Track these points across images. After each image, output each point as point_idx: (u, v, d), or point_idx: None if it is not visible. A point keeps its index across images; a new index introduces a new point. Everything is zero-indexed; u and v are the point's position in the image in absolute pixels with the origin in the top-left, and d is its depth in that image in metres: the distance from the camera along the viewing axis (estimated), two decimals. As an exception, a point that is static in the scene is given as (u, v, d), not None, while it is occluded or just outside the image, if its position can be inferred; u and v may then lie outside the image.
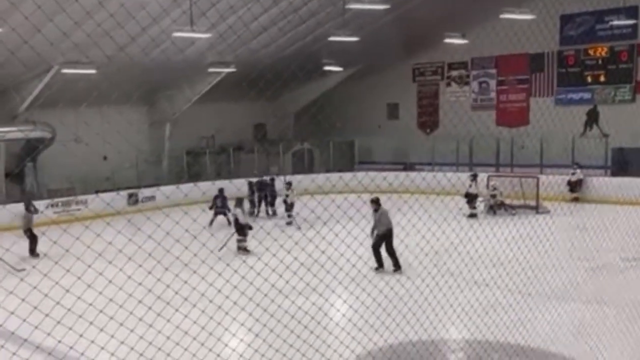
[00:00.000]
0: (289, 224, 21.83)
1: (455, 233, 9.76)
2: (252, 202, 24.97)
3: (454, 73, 33.73)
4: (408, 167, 30.97)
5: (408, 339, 9.09)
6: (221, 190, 22.91)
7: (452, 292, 8.90)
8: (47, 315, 6.13)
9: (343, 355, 7.91)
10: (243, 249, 17.79)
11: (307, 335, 7.87)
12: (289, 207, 22.45)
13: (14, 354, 6.64)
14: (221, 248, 16.03)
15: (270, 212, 25.01)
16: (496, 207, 23.52)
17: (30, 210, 19.60)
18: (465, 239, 9.80)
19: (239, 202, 18.81)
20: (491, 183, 24.21)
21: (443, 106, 33.91)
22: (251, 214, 24.15)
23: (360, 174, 26.45)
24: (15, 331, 6.93)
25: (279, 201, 24.47)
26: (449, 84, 33.93)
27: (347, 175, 26.86)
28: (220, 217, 22.51)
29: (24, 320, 6.15)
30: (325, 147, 33.39)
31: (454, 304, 8.84)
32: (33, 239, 18.58)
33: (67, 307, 6.05)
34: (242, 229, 18.07)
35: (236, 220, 18.49)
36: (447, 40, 27.82)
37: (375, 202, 14.76)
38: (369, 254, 8.26)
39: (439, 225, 9.25)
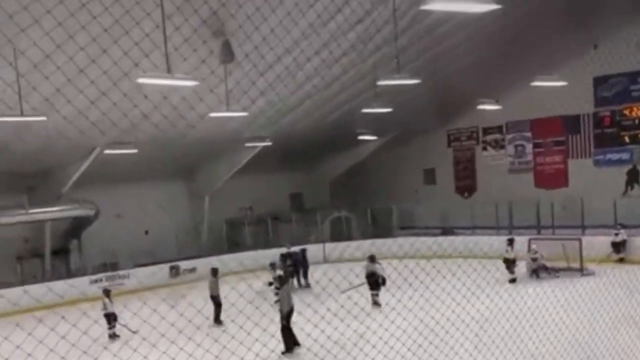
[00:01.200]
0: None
1: (497, 299, 9.81)
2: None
3: (489, 137, 33.97)
4: (447, 231, 30.97)
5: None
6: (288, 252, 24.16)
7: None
8: None
9: None
10: (376, 303, 18.57)
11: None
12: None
13: None
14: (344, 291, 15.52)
15: (303, 283, 24.77)
16: (539, 271, 23.33)
17: (216, 275, 20.07)
18: (504, 306, 9.83)
19: (372, 258, 19.72)
20: (532, 246, 24.07)
21: (480, 170, 34.07)
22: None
23: (400, 240, 26.56)
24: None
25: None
26: (484, 148, 34.13)
27: (387, 242, 27.00)
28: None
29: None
30: (363, 214, 33.60)
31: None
32: (218, 306, 19.14)
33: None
34: (377, 283, 18.96)
35: (373, 274, 19.25)
36: (481, 107, 28.21)
37: (281, 280, 14.98)
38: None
39: (479, 285, 9.32)
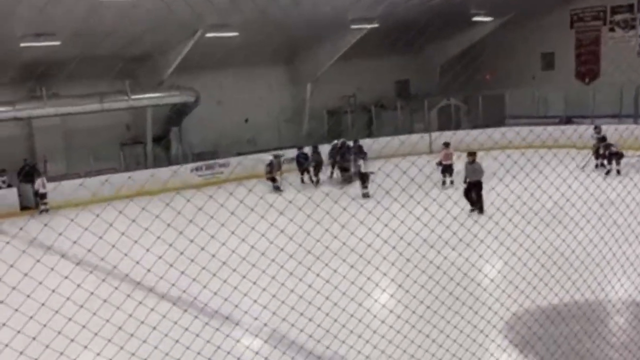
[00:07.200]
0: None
1: (622, 184, 9.40)
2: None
3: (618, 17, 31.91)
4: (564, 120, 29.83)
5: (573, 299, 8.90)
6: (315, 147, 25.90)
7: (619, 246, 8.60)
8: (193, 279, 6.61)
9: (498, 313, 7.91)
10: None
11: (459, 292, 7.92)
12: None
13: (174, 304, 7.16)
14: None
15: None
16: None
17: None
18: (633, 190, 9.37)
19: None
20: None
21: (605, 54, 32.22)
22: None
23: (512, 129, 25.67)
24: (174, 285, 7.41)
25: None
26: (612, 29, 32.14)
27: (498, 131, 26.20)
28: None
29: (182, 272, 6.62)
30: (474, 101, 32.75)
31: (620, 259, 8.54)
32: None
33: (213, 271, 6.43)
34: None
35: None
36: (611, -20, 26.33)
37: None
38: (525, 209, 8.16)
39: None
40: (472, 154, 17.96)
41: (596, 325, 8.68)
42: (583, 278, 8.39)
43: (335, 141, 26.69)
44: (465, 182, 17.91)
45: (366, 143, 26.35)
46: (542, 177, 8.01)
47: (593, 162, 22.65)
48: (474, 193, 17.56)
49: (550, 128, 22.03)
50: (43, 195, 22.98)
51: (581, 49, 33.23)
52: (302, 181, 25.67)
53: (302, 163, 25.96)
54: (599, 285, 8.66)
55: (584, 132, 22.05)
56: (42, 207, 22.90)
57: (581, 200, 7.98)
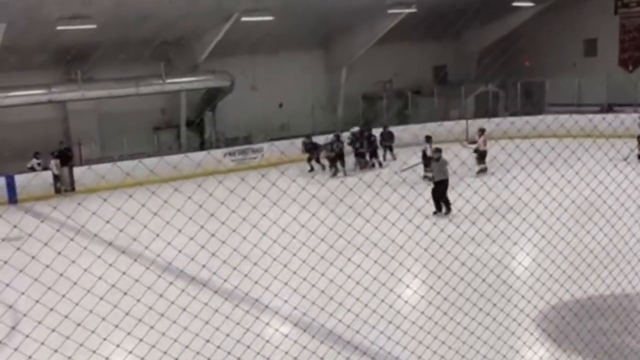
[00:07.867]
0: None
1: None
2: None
3: (665, 2, 31.25)
4: (605, 108, 29.34)
5: (610, 291, 8.79)
6: (337, 136, 25.09)
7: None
8: (224, 261, 6.68)
9: (532, 302, 7.86)
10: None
11: (492, 280, 7.88)
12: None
13: (204, 285, 7.21)
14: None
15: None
16: None
17: None
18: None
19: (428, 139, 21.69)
20: None
21: (651, 40, 31.61)
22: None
23: (549, 118, 25.35)
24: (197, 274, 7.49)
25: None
26: (658, 15, 31.50)
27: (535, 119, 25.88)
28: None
29: (213, 254, 6.70)
30: (512, 88, 32.39)
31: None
32: None
33: (244, 254, 6.48)
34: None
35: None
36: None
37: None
38: (562, 198, 8.08)
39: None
40: (438, 151, 17.39)
41: (632, 317, 8.60)
42: (620, 268, 8.31)
43: (356, 128, 26.45)
44: (432, 181, 17.05)
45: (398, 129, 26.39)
46: (580, 165, 7.93)
47: (637, 152, 22.32)
48: (439, 193, 16.89)
49: (589, 116, 21.74)
50: (57, 177, 23.98)
51: (626, 35, 32.61)
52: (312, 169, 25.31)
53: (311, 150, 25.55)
54: (636, 276, 8.56)
55: (624, 120, 21.76)
56: (63, 188, 24.06)
57: (620, 190, 7.87)
